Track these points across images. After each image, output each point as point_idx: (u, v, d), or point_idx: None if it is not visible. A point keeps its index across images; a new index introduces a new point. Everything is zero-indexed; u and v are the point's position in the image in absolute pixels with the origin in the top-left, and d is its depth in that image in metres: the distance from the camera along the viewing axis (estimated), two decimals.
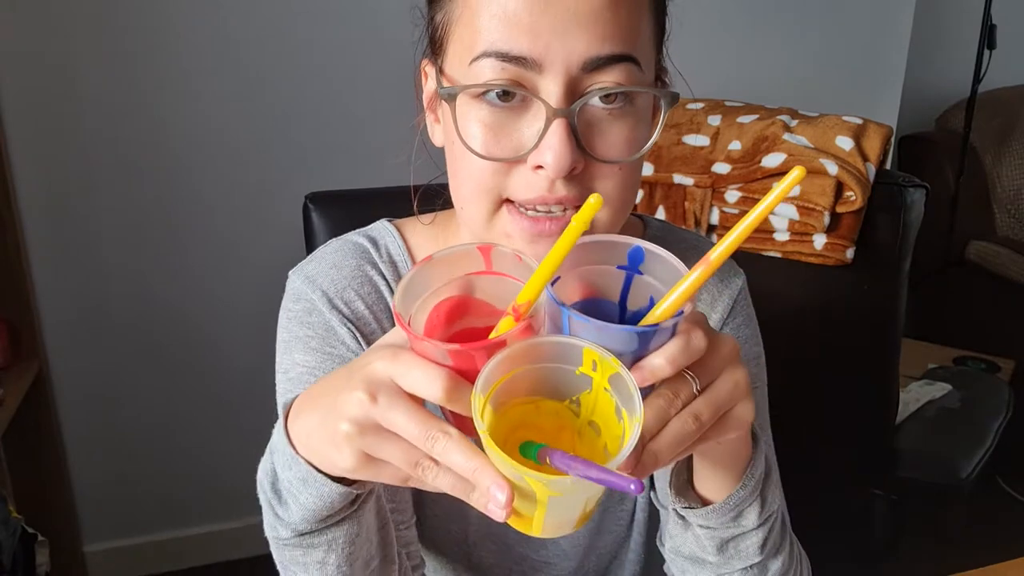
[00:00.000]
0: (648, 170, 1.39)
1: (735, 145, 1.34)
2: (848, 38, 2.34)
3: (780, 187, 0.49)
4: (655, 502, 0.84)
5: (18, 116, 1.75)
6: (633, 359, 0.51)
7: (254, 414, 1.94)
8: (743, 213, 1.34)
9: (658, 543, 0.84)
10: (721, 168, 1.34)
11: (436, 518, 0.83)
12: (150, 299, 1.93)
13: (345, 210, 1.05)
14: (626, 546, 0.89)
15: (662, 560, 0.82)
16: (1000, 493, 2.42)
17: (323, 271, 0.76)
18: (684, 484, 0.67)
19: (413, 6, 0.70)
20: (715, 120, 1.38)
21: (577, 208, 0.61)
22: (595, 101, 0.61)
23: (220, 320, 1.97)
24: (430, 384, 0.48)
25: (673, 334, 0.52)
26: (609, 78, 0.60)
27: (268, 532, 0.63)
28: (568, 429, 0.52)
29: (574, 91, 0.60)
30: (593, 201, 0.50)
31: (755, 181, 1.31)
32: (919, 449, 1.58)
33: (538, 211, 0.63)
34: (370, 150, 1.86)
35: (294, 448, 0.56)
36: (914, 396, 1.75)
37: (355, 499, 0.59)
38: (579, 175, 0.62)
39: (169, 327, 1.96)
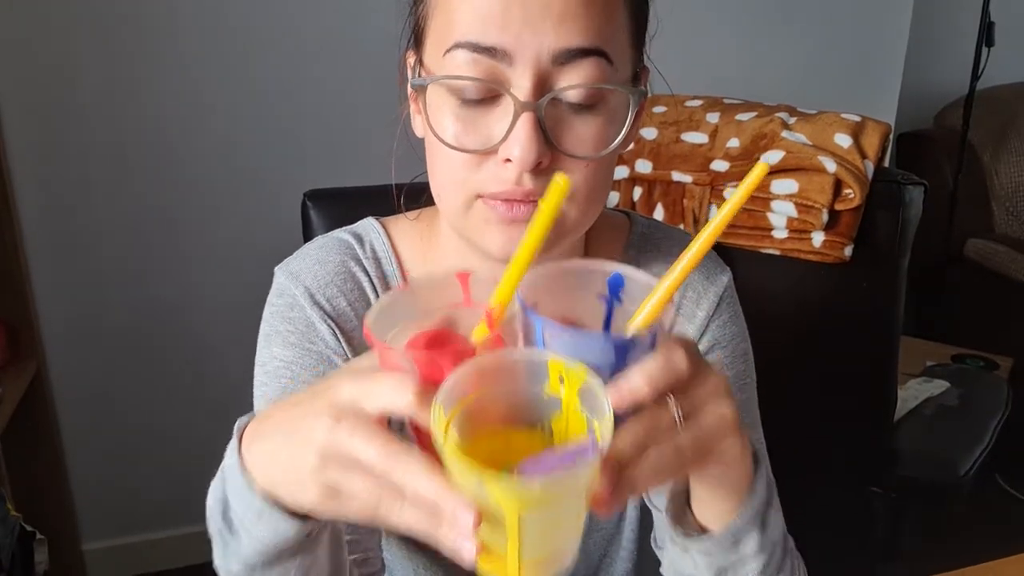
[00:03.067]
0: (646, 168, 1.38)
1: (734, 142, 1.34)
2: (847, 35, 2.34)
3: (746, 183, 0.49)
4: (647, 501, 0.84)
5: (17, 115, 1.74)
6: (609, 377, 0.48)
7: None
8: (741, 211, 1.34)
9: (652, 545, 0.83)
10: (720, 165, 1.33)
11: None
12: (148, 298, 1.92)
13: (343, 208, 1.05)
14: (616, 544, 0.88)
15: (655, 560, 0.81)
16: (998, 491, 2.42)
17: (307, 267, 0.77)
18: (681, 509, 0.65)
19: None
20: (714, 117, 1.38)
21: None
22: (564, 96, 0.61)
23: (218, 318, 1.97)
24: (398, 393, 0.46)
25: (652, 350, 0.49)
26: (579, 72, 0.61)
27: (217, 563, 0.60)
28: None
29: (544, 85, 0.61)
30: (560, 181, 0.48)
31: None
32: (918, 447, 1.58)
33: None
34: (369, 148, 1.86)
35: (249, 475, 0.54)
36: (912, 394, 1.75)
37: (311, 531, 0.56)
38: (547, 169, 0.62)
39: (167, 326, 1.95)
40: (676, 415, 0.51)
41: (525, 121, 0.60)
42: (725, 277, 0.82)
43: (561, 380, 0.47)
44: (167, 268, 1.92)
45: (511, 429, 0.49)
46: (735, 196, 0.49)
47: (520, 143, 0.60)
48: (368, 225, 0.82)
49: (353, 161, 1.93)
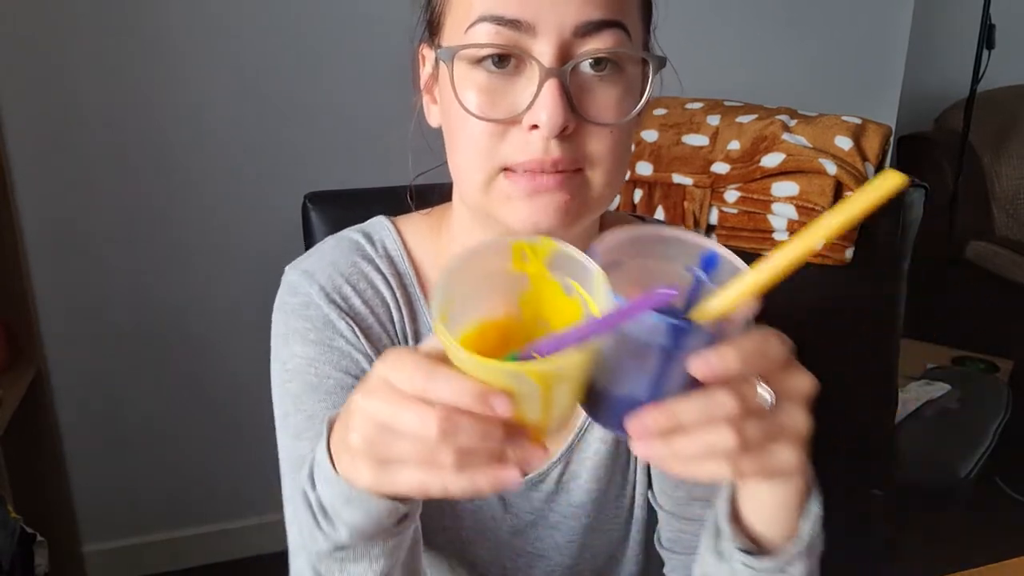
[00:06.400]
0: (647, 170, 1.39)
1: (734, 145, 1.34)
2: (847, 38, 2.35)
3: (870, 192, 0.44)
4: (652, 501, 0.84)
5: (17, 115, 1.74)
6: (660, 358, 0.46)
7: (252, 414, 1.94)
8: (742, 213, 1.34)
9: (656, 544, 0.83)
10: (720, 168, 1.33)
11: (429, 516, 0.84)
12: (149, 299, 1.92)
13: (344, 210, 1.05)
14: (624, 545, 0.89)
15: (662, 562, 0.81)
16: (999, 493, 2.42)
17: (320, 267, 0.77)
18: (733, 516, 0.65)
19: None
20: (714, 120, 1.38)
21: (574, 169, 0.64)
22: (586, 65, 0.63)
23: (219, 320, 1.97)
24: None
25: (711, 344, 0.46)
26: (599, 43, 0.63)
27: (310, 546, 0.61)
28: (515, 340, 0.50)
29: (566, 55, 0.62)
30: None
31: (754, 181, 1.31)
32: (918, 449, 1.58)
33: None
34: (369, 150, 1.86)
35: (332, 463, 0.57)
36: (913, 396, 1.76)
37: (403, 517, 0.59)
38: (571, 136, 0.63)
39: (168, 327, 1.95)
40: (767, 397, 0.49)
41: (551, 87, 0.61)
42: None
43: (524, 256, 0.49)
44: (168, 269, 1.92)
45: (487, 321, 0.51)
46: (859, 202, 0.44)
47: (547, 108, 0.61)
48: (379, 223, 0.82)
49: (354, 163, 1.94)
